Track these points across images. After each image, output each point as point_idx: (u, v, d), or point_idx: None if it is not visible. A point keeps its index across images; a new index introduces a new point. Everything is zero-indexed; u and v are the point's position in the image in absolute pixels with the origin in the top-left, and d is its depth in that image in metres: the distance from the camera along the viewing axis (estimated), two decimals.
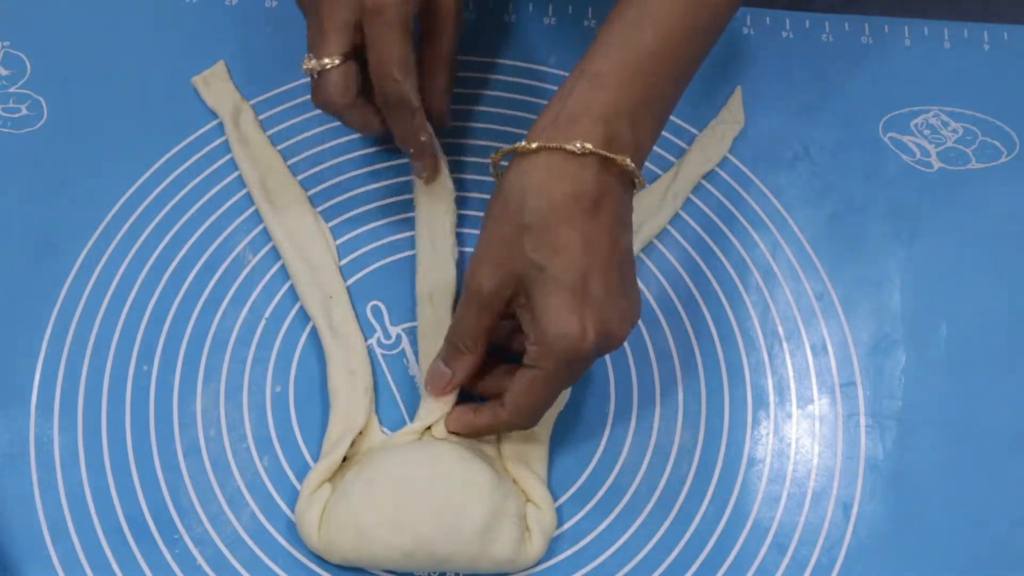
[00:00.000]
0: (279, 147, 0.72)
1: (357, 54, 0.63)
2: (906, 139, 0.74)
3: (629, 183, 0.58)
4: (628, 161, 0.56)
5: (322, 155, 0.71)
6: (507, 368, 0.61)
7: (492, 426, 0.61)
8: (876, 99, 0.75)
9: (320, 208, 0.70)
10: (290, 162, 0.71)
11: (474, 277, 0.58)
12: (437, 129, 0.68)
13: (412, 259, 0.68)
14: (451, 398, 0.63)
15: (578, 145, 0.55)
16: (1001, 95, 0.76)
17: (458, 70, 0.70)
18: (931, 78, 0.76)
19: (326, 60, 0.62)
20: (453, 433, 0.62)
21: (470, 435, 0.62)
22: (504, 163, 0.59)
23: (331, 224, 0.70)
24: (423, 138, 0.65)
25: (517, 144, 0.57)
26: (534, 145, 0.56)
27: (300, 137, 0.72)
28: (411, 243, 0.69)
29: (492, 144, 0.73)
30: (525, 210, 0.56)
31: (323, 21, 0.61)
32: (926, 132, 0.74)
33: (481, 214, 0.70)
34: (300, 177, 0.71)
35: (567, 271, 0.55)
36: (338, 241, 0.69)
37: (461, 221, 0.70)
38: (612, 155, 0.56)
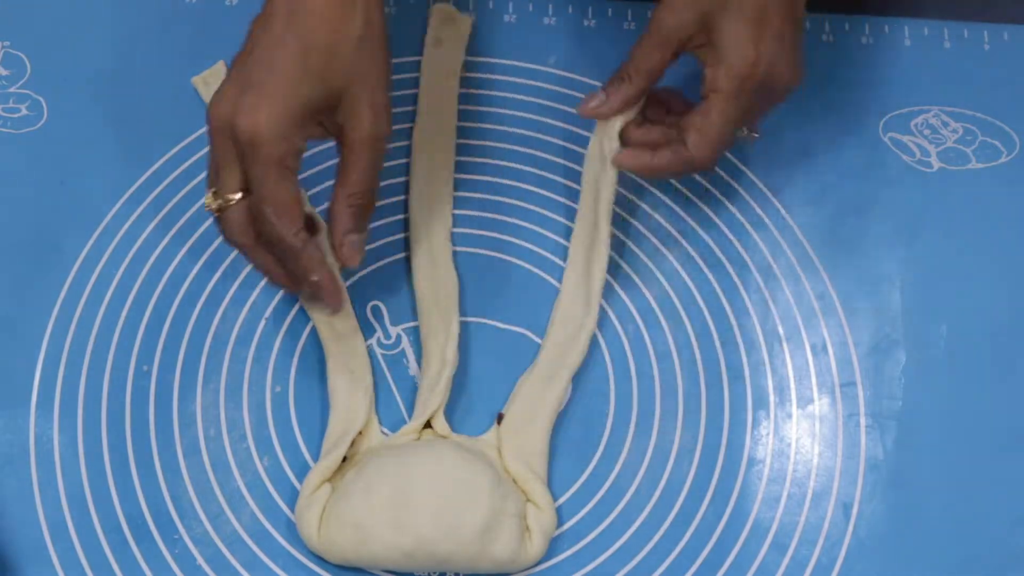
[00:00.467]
0: None
1: None
2: (906, 139, 0.74)
3: None
4: None
5: (322, 155, 0.71)
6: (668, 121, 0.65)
7: (672, 164, 0.63)
8: (876, 99, 0.75)
9: (320, 208, 0.70)
10: None
11: (660, 14, 0.61)
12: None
13: (411, 259, 0.68)
14: (445, 390, 0.63)
15: None
16: (1001, 95, 0.76)
17: (372, 209, 0.61)
18: (931, 78, 0.76)
19: (227, 197, 0.58)
20: (626, 169, 0.64)
21: (648, 174, 0.66)
22: None
23: None
24: (313, 278, 0.59)
25: None
26: None
27: None
28: (410, 243, 0.69)
29: (492, 144, 0.73)
30: None
31: (216, 155, 0.58)
32: (926, 132, 0.74)
33: (481, 214, 0.70)
34: (300, 176, 0.71)
35: (750, 4, 0.60)
36: None
37: (457, 221, 0.70)
38: None
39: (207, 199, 0.59)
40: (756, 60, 0.60)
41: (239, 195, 0.58)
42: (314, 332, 0.66)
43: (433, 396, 0.63)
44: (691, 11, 0.61)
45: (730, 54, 0.60)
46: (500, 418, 0.64)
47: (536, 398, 0.64)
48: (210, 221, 0.69)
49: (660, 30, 0.62)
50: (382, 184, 0.71)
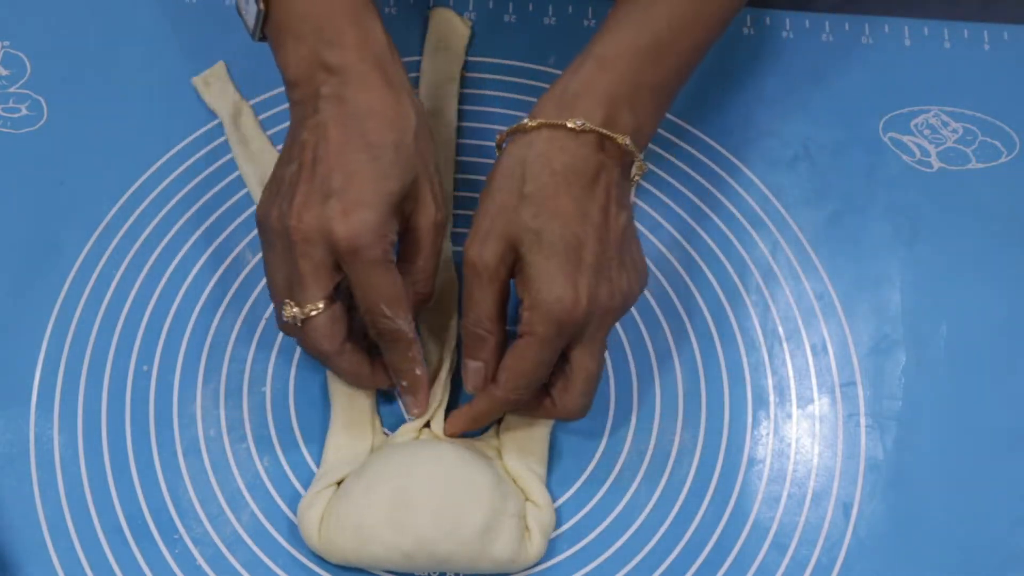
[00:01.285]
0: (279, 147, 0.72)
1: (339, 292, 0.59)
2: (906, 139, 0.74)
3: (628, 165, 0.60)
4: (627, 140, 0.58)
5: None
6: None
7: (489, 408, 0.61)
8: (876, 99, 0.75)
9: None
10: None
11: (477, 251, 0.58)
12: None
13: None
14: (444, 390, 0.63)
15: (578, 123, 0.57)
16: (1001, 95, 0.76)
17: (432, 295, 0.63)
18: (931, 78, 0.76)
19: (309, 307, 0.58)
20: (456, 435, 0.63)
21: (473, 427, 0.62)
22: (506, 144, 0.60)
23: None
24: (418, 372, 0.62)
25: (521, 122, 0.59)
26: (536, 122, 0.58)
27: None
28: None
29: (492, 144, 0.73)
30: (526, 180, 0.58)
31: (299, 264, 0.57)
32: (926, 132, 0.74)
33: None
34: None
35: (562, 236, 0.57)
36: None
37: (457, 221, 0.70)
38: (611, 134, 0.57)
39: (286, 311, 0.59)
40: (575, 301, 0.56)
41: (322, 304, 0.58)
42: None
43: (433, 397, 0.63)
44: (505, 244, 0.57)
45: (545, 296, 0.56)
46: (500, 418, 0.64)
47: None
48: (210, 222, 0.69)
49: (484, 270, 0.58)
50: None
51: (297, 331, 0.60)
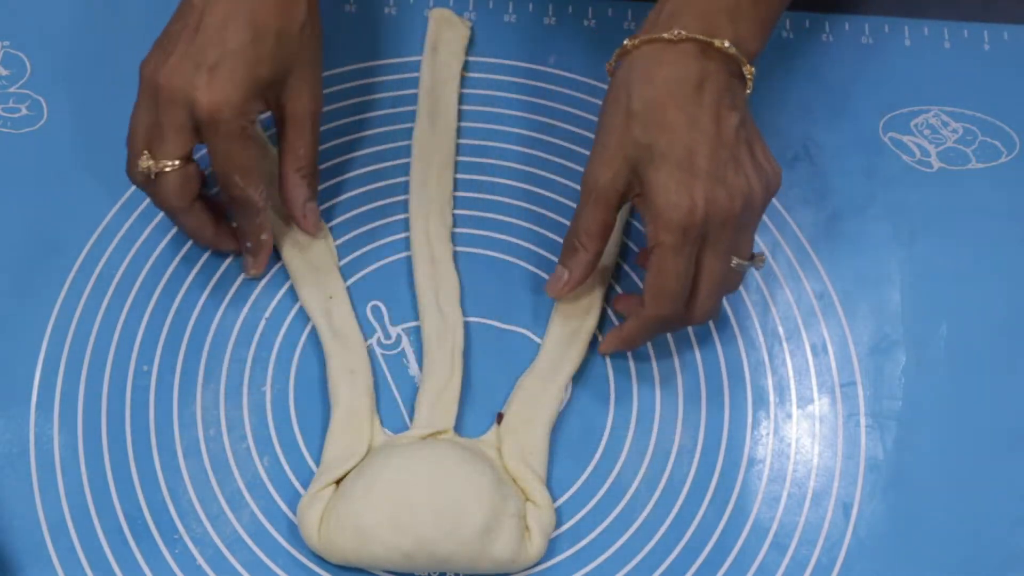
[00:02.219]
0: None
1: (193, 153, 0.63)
2: (906, 139, 0.74)
3: (737, 71, 0.60)
4: (726, 44, 0.58)
5: (321, 155, 0.71)
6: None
7: (639, 327, 0.62)
8: (876, 99, 0.75)
9: (320, 208, 0.70)
10: None
11: (591, 173, 0.60)
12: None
13: (412, 259, 0.68)
14: (451, 410, 0.63)
15: (675, 32, 0.58)
16: (1001, 95, 0.76)
17: (318, 177, 0.67)
18: (931, 78, 0.76)
19: (165, 162, 0.61)
20: (609, 354, 0.66)
21: (624, 347, 0.64)
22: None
23: (331, 224, 0.70)
24: (263, 236, 0.65)
25: (622, 44, 0.60)
26: (636, 40, 0.60)
27: None
28: (410, 243, 0.69)
29: (491, 144, 0.73)
30: (632, 98, 0.58)
31: (161, 120, 0.61)
32: (926, 132, 0.74)
33: (480, 214, 0.70)
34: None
35: (673, 146, 0.58)
36: (338, 241, 0.69)
37: (457, 221, 0.70)
38: (709, 39, 0.58)
39: (142, 161, 0.62)
40: (691, 207, 0.57)
41: (178, 162, 0.61)
42: (314, 332, 0.66)
43: (444, 413, 0.64)
44: (619, 162, 0.59)
45: (663, 206, 0.57)
46: (500, 418, 0.64)
47: (536, 398, 0.64)
48: None
49: (594, 189, 0.60)
50: (382, 184, 0.71)
51: (150, 184, 0.63)
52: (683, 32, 0.58)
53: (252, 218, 0.64)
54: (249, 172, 0.62)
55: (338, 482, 0.61)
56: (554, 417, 0.64)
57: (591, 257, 0.62)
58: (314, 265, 0.67)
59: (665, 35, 0.58)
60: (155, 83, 0.60)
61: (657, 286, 0.59)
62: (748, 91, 0.61)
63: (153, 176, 0.62)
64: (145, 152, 0.62)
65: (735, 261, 0.60)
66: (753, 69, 0.60)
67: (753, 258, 0.62)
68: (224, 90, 0.59)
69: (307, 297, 0.66)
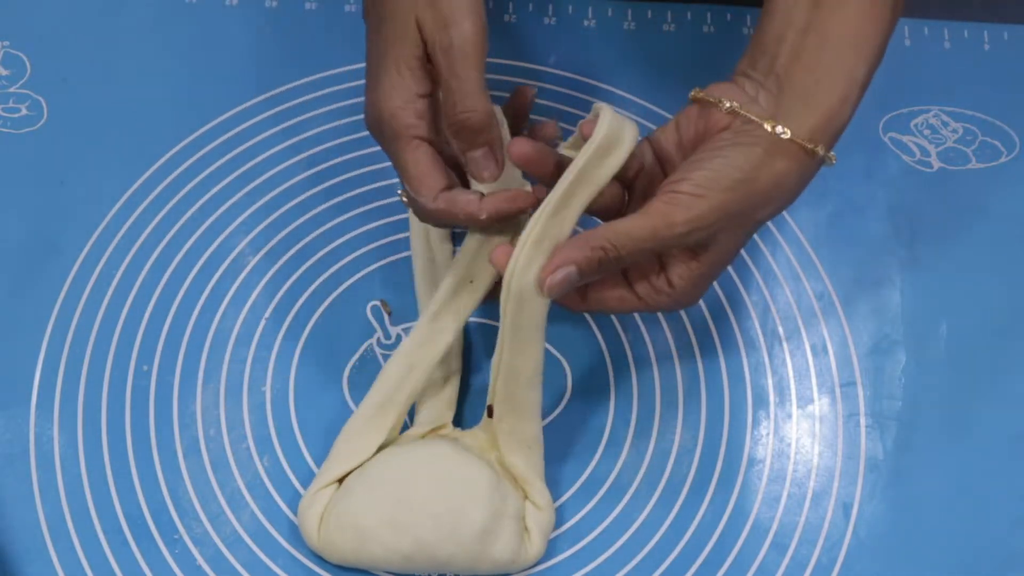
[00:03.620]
0: (280, 147, 0.72)
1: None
2: (906, 139, 0.74)
3: None
4: (832, 158, 0.57)
5: (322, 155, 0.71)
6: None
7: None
8: (876, 99, 0.75)
9: (320, 208, 0.70)
10: (290, 162, 0.71)
11: (682, 238, 0.55)
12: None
13: (412, 259, 0.68)
14: (451, 409, 0.63)
15: (819, 151, 0.56)
16: (1001, 95, 0.76)
17: (479, 118, 0.58)
18: (931, 78, 0.76)
19: (400, 193, 0.61)
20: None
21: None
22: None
23: (331, 224, 0.70)
24: (483, 217, 0.58)
25: (765, 121, 0.55)
26: (787, 136, 0.55)
27: (301, 137, 0.72)
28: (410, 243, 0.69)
29: None
30: (767, 207, 0.56)
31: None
32: (926, 132, 0.74)
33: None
34: (300, 177, 0.71)
35: (727, 247, 0.57)
36: (338, 241, 0.69)
37: None
38: (818, 151, 0.56)
39: (400, 195, 0.61)
40: (693, 301, 0.59)
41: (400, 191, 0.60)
42: (314, 333, 0.66)
43: (444, 412, 0.63)
44: (710, 231, 0.55)
45: (679, 295, 0.58)
46: (490, 410, 0.62)
47: (513, 372, 0.61)
48: (210, 222, 0.69)
49: (663, 242, 0.55)
50: (383, 184, 0.71)
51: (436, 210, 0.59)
52: (829, 158, 0.56)
53: (449, 218, 0.58)
54: (419, 178, 0.57)
55: (340, 480, 0.61)
56: (538, 412, 0.61)
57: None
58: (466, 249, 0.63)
59: (808, 145, 0.55)
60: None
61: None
62: None
63: (412, 204, 0.60)
64: (400, 191, 0.61)
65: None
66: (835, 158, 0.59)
67: None
68: (377, 95, 0.57)
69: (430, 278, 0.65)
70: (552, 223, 0.56)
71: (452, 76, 0.56)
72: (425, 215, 0.59)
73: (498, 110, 0.61)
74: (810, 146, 0.55)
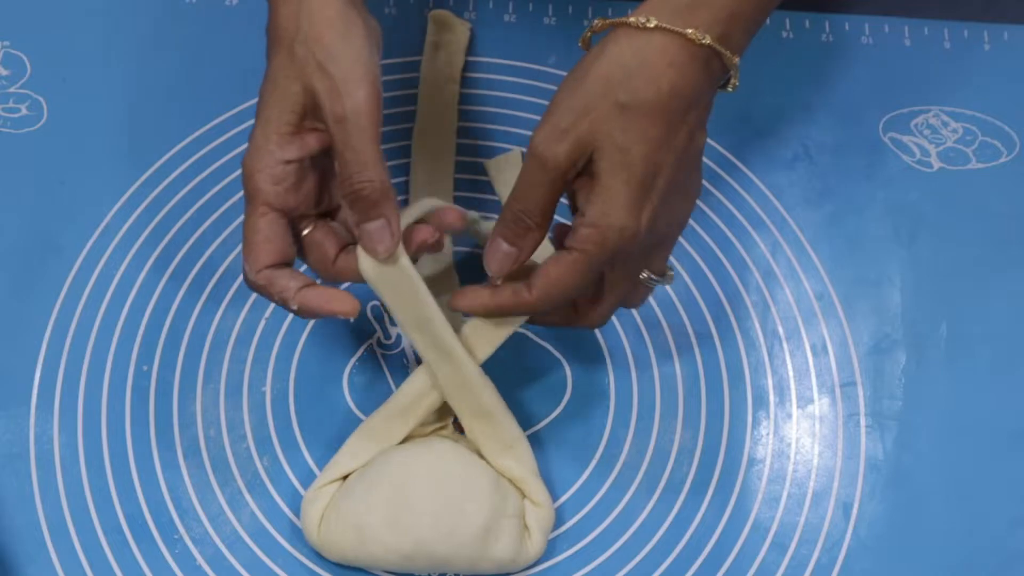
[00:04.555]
0: None
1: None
2: (906, 139, 0.74)
3: (717, 85, 0.56)
4: (736, 61, 0.54)
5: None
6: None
7: (512, 306, 0.57)
8: (876, 99, 0.75)
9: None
10: None
11: (548, 145, 0.54)
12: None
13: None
14: (451, 409, 0.63)
15: (699, 35, 0.53)
16: (1001, 95, 0.76)
17: (374, 192, 0.56)
18: (931, 78, 0.76)
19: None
20: (462, 310, 0.59)
21: (483, 314, 0.58)
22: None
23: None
24: (293, 307, 0.58)
25: (632, 17, 0.53)
26: (652, 23, 0.53)
27: None
28: None
29: (491, 144, 0.73)
30: (626, 89, 0.53)
31: None
32: (926, 132, 0.74)
33: (478, 214, 0.70)
34: None
35: (645, 160, 0.53)
36: None
37: None
38: (726, 52, 0.54)
39: None
40: (635, 232, 0.54)
41: (309, 228, 0.59)
42: (314, 333, 0.66)
43: (444, 413, 0.63)
44: (581, 143, 0.54)
45: (607, 219, 0.53)
46: (459, 427, 0.62)
47: (457, 384, 0.61)
48: (210, 222, 0.69)
49: (550, 162, 0.54)
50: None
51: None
52: (707, 38, 0.53)
53: (270, 299, 0.58)
54: (250, 246, 0.56)
55: (345, 478, 0.61)
56: (503, 405, 0.61)
57: (541, 235, 0.57)
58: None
59: (688, 32, 0.52)
60: None
61: (558, 284, 0.56)
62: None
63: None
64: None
65: (645, 274, 0.58)
66: (738, 84, 0.56)
67: (664, 274, 0.59)
68: (246, 157, 0.56)
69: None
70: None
71: (347, 148, 0.55)
72: (247, 284, 0.58)
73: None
74: (642, 20, 0.52)
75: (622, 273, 0.57)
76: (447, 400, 0.61)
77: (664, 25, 0.53)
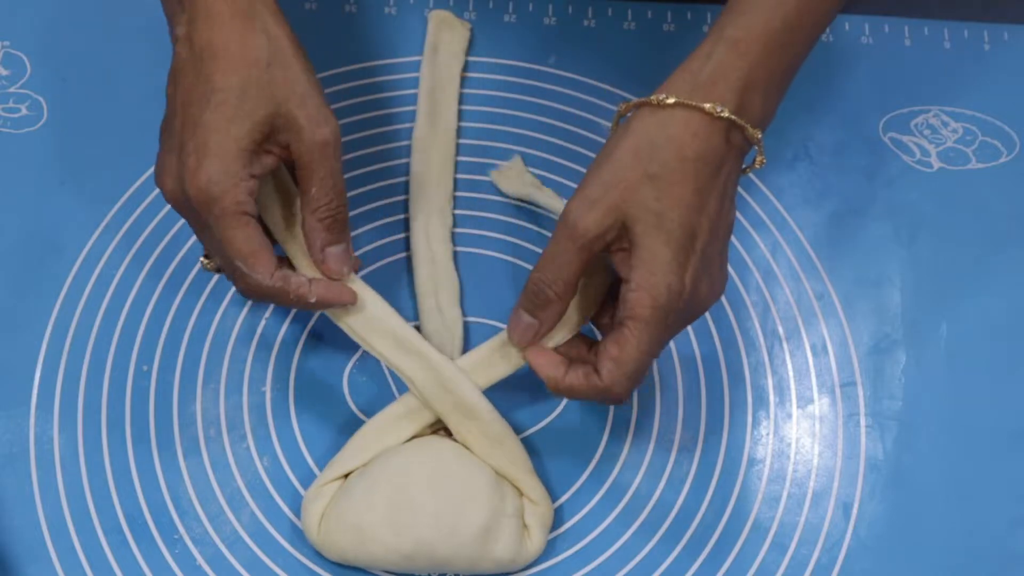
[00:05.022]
0: None
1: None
2: (906, 139, 0.74)
3: (743, 157, 0.58)
4: (758, 132, 0.56)
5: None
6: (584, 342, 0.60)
7: (584, 391, 0.57)
8: (876, 99, 0.75)
9: None
10: None
11: (580, 218, 0.55)
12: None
13: (411, 259, 0.68)
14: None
15: (717, 108, 0.55)
16: (1001, 95, 0.76)
17: (342, 218, 0.59)
18: (931, 78, 0.76)
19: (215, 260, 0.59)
20: (535, 369, 0.59)
21: (556, 391, 0.58)
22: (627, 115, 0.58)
23: None
24: (311, 300, 0.59)
25: (651, 97, 0.56)
26: (671, 100, 0.55)
27: None
28: (410, 243, 0.69)
29: (490, 144, 0.73)
30: (654, 160, 0.55)
31: (191, 226, 0.58)
32: (926, 132, 0.74)
33: (479, 214, 0.70)
34: None
35: (681, 224, 0.55)
36: None
37: (457, 221, 0.70)
38: (743, 123, 0.56)
39: (203, 262, 0.60)
40: (681, 291, 0.55)
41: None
42: (314, 333, 0.66)
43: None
44: (614, 214, 0.55)
45: (653, 280, 0.54)
46: (448, 432, 0.62)
47: (437, 386, 0.61)
48: None
49: (578, 232, 0.55)
50: (384, 184, 0.71)
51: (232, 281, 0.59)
52: (724, 110, 0.55)
53: (282, 300, 0.58)
54: (253, 255, 0.57)
55: (347, 476, 0.61)
56: (480, 395, 0.61)
57: (563, 307, 0.58)
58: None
59: (706, 106, 0.55)
60: (163, 191, 0.57)
61: (623, 360, 0.56)
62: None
63: (217, 272, 0.60)
64: (202, 258, 0.60)
65: None
66: (764, 160, 0.59)
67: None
68: (204, 167, 0.55)
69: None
70: None
71: (330, 173, 0.58)
72: (256, 291, 0.58)
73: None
74: (662, 97, 0.55)
75: (661, 338, 0.57)
76: (429, 403, 0.61)
77: (684, 101, 0.55)
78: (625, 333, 0.55)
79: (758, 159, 0.59)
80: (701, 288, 0.56)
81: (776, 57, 0.57)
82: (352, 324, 0.60)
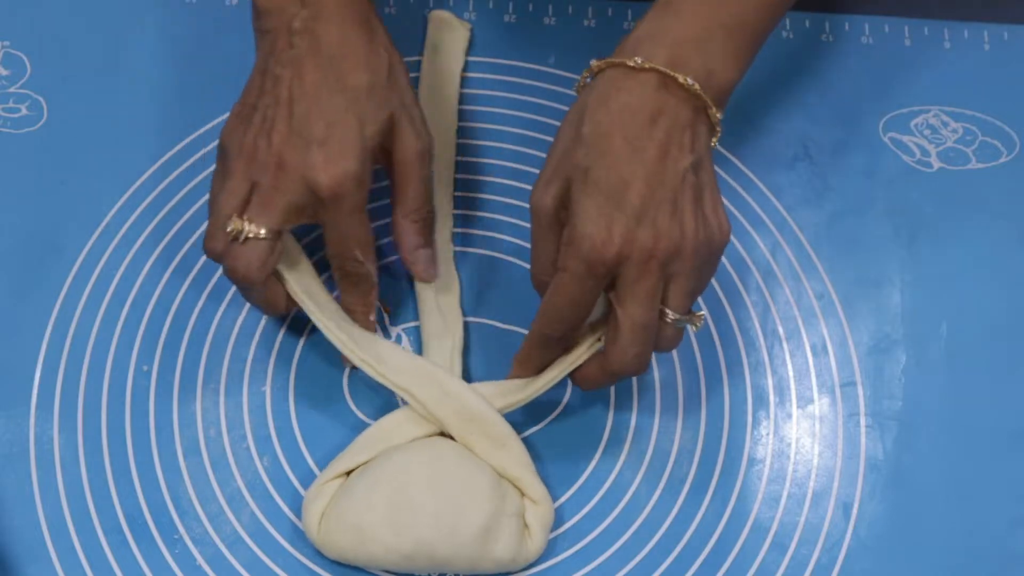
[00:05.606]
0: None
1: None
2: (906, 139, 0.74)
3: (699, 109, 0.57)
4: (690, 80, 0.56)
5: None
6: None
7: (530, 345, 0.61)
8: (876, 99, 0.75)
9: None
10: None
11: (538, 199, 0.58)
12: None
13: None
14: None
15: (637, 60, 0.56)
16: (1001, 95, 0.76)
17: (432, 221, 0.66)
18: (931, 78, 0.76)
19: (260, 230, 0.59)
20: (521, 377, 0.62)
21: (526, 368, 0.62)
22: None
23: None
24: (371, 318, 0.64)
25: (590, 64, 0.58)
26: (602, 63, 0.57)
27: None
28: None
29: (490, 144, 0.73)
30: (584, 121, 0.56)
31: (272, 192, 0.58)
32: (926, 132, 0.74)
33: (479, 214, 0.70)
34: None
35: (608, 175, 0.55)
36: None
37: (457, 221, 0.70)
38: (671, 72, 0.55)
39: (234, 223, 0.58)
40: (605, 241, 0.54)
41: (269, 234, 0.59)
42: (314, 332, 0.66)
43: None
44: (558, 184, 0.57)
45: (578, 233, 0.55)
46: (450, 436, 0.62)
47: (436, 389, 0.62)
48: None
49: (539, 212, 0.58)
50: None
51: (230, 250, 0.59)
52: (646, 62, 0.55)
53: (366, 294, 0.63)
54: (368, 244, 0.61)
55: (348, 474, 0.61)
56: (479, 397, 0.62)
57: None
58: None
59: (628, 62, 0.56)
60: (263, 162, 0.58)
61: (552, 305, 0.57)
62: (715, 136, 0.58)
63: (242, 240, 0.59)
64: (237, 217, 0.59)
65: (670, 316, 0.57)
66: (720, 116, 0.57)
67: (690, 315, 0.58)
68: (342, 165, 0.58)
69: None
70: None
71: (424, 179, 0.63)
72: (356, 277, 0.62)
73: None
74: (594, 63, 0.57)
75: (626, 300, 0.56)
76: (431, 412, 0.61)
77: (610, 61, 0.57)
78: (555, 281, 0.57)
79: (713, 116, 0.57)
80: (640, 238, 0.55)
81: (717, 12, 0.57)
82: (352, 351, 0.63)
